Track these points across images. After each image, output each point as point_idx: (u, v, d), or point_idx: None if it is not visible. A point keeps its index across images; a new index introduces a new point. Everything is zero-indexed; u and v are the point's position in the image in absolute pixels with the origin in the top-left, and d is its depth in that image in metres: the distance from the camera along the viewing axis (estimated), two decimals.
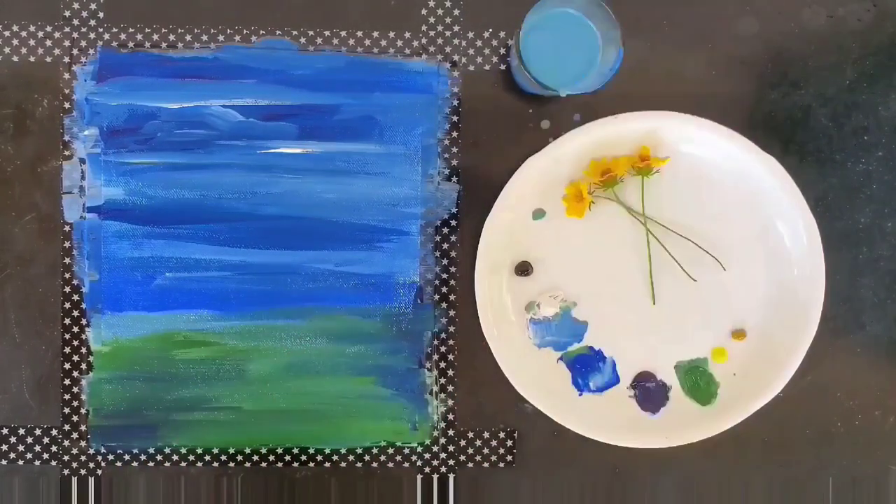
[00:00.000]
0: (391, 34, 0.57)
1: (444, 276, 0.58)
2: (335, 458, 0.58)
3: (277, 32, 0.57)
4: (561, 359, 0.57)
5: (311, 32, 0.57)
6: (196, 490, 0.58)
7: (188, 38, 0.57)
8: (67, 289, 0.57)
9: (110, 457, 0.58)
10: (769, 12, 0.57)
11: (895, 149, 0.58)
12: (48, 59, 0.56)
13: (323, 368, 0.58)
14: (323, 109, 0.57)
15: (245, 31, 0.57)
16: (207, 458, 0.58)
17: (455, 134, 0.57)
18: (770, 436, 0.58)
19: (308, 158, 0.57)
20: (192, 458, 0.58)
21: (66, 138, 0.57)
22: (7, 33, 0.56)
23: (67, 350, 0.57)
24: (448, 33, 0.57)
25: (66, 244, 0.57)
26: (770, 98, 0.57)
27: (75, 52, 0.56)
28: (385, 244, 0.57)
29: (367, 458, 0.58)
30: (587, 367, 0.57)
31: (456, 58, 0.57)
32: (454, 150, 0.57)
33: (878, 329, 0.58)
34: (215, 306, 0.57)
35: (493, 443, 0.58)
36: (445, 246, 0.58)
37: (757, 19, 0.57)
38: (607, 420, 0.56)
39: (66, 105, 0.56)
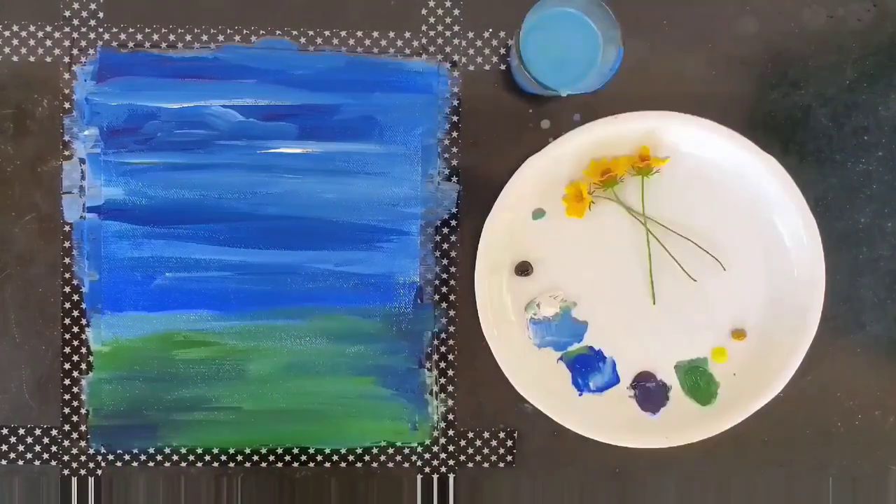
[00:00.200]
0: (391, 34, 0.57)
1: (444, 276, 0.58)
2: (335, 458, 0.58)
3: (277, 32, 0.57)
4: (561, 359, 0.57)
5: (311, 32, 0.57)
6: (196, 490, 0.58)
7: (188, 38, 0.57)
8: (67, 289, 0.57)
9: (110, 457, 0.58)
10: (769, 12, 0.57)
11: (895, 149, 0.58)
12: (48, 59, 0.56)
13: (323, 368, 0.58)
14: (323, 109, 0.57)
15: (245, 31, 0.57)
16: (207, 458, 0.58)
17: (455, 134, 0.57)
18: (770, 436, 0.58)
19: (308, 158, 0.57)
20: (192, 458, 0.58)
21: (66, 138, 0.57)
22: (7, 33, 0.56)
23: (67, 350, 0.57)
24: (448, 33, 0.57)
25: (66, 244, 0.57)
26: (770, 98, 0.57)
27: (75, 52, 0.56)
28: (385, 244, 0.57)
29: (367, 458, 0.58)
30: (587, 367, 0.57)
31: (456, 58, 0.57)
32: (454, 150, 0.57)
33: (878, 329, 0.58)
34: (215, 306, 0.57)
35: (493, 443, 0.58)
36: (445, 246, 0.58)
37: (757, 19, 0.57)
38: (607, 420, 0.56)
39: (66, 105, 0.56)
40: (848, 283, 0.58)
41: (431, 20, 0.57)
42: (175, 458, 0.58)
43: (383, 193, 0.57)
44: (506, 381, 0.55)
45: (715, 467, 0.58)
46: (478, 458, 0.58)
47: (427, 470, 0.58)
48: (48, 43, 0.56)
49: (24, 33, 0.56)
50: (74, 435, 0.57)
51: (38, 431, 0.57)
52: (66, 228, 0.57)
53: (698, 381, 0.57)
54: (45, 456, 0.57)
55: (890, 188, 0.58)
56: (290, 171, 0.57)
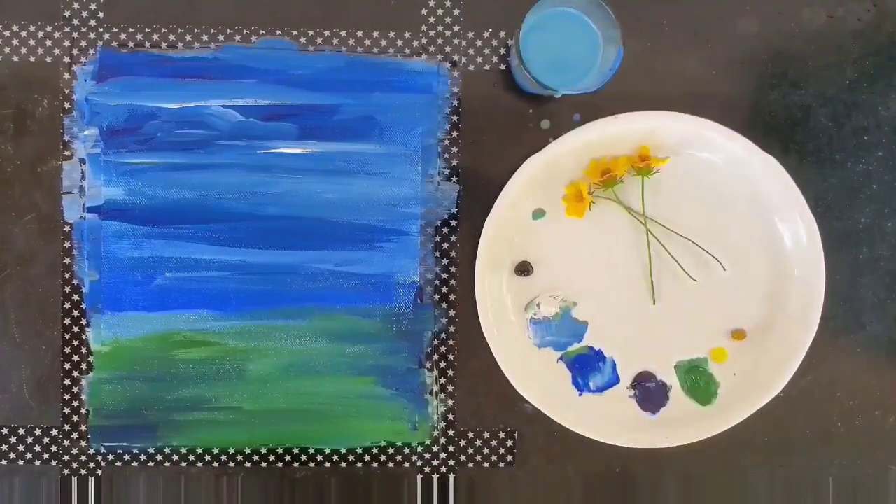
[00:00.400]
0: (391, 34, 0.57)
1: (444, 276, 0.58)
2: (335, 458, 0.58)
3: (277, 32, 0.57)
4: (561, 359, 0.57)
5: (311, 32, 0.57)
6: (196, 490, 0.58)
7: (188, 38, 0.57)
8: (67, 289, 0.57)
9: (110, 457, 0.58)
10: (769, 12, 0.57)
11: (895, 149, 0.58)
12: (48, 59, 0.56)
13: (323, 368, 0.58)
14: (323, 109, 0.57)
15: (245, 31, 0.57)
16: (207, 458, 0.58)
17: (455, 134, 0.57)
18: (770, 436, 0.58)
19: (308, 158, 0.57)
20: (192, 458, 0.58)
21: (66, 138, 0.57)
22: (7, 33, 0.56)
23: (67, 350, 0.57)
24: (448, 33, 0.57)
25: (66, 244, 0.57)
26: (770, 98, 0.57)
27: (75, 52, 0.56)
28: (385, 244, 0.57)
29: (367, 458, 0.58)
30: (587, 367, 0.57)
31: (456, 58, 0.57)
32: (454, 150, 0.57)
33: (878, 329, 0.58)
34: (215, 306, 0.57)
35: (493, 443, 0.58)
36: (445, 246, 0.58)
37: (757, 19, 0.57)
38: (607, 420, 0.56)
39: (66, 105, 0.56)
40: (848, 283, 0.58)
41: (431, 20, 0.57)
42: (175, 458, 0.58)
43: (383, 193, 0.57)
44: (506, 381, 0.55)
45: (715, 467, 0.58)
46: (478, 458, 0.58)
47: (427, 470, 0.58)
48: (48, 43, 0.56)
49: (24, 33, 0.56)
50: (74, 435, 0.57)
51: (38, 431, 0.57)
52: (66, 228, 0.57)
53: (698, 381, 0.57)
54: (45, 456, 0.57)
55: (890, 188, 0.58)
56: (290, 171, 0.57)
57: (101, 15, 0.56)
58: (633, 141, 0.55)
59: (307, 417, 0.58)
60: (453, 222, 0.57)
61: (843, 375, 0.58)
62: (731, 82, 0.57)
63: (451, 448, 0.58)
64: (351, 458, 0.58)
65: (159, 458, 0.58)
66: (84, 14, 0.56)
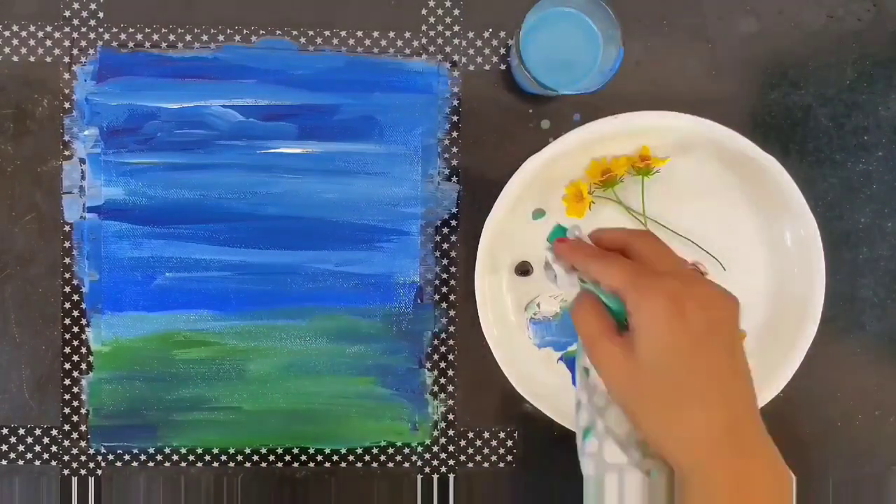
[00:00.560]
0: (391, 34, 0.57)
1: (444, 276, 0.58)
2: (335, 458, 0.58)
3: (277, 32, 0.57)
4: (561, 359, 0.57)
5: (311, 32, 0.57)
6: (196, 490, 0.58)
7: (188, 38, 0.57)
8: (67, 289, 0.57)
9: (110, 457, 0.58)
10: (769, 12, 0.57)
11: (895, 149, 0.58)
12: (48, 59, 0.56)
13: (323, 368, 0.58)
14: (323, 109, 0.57)
15: (245, 31, 0.57)
16: (207, 458, 0.58)
17: (455, 134, 0.57)
18: (770, 436, 0.58)
19: (308, 158, 0.57)
20: (192, 458, 0.58)
21: (66, 138, 0.57)
22: (7, 33, 0.56)
23: (67, 350, 0.57)
24: (448, 33, 0.57)
25: (66, 244, 0.57)
26: (770, 98, 0.57)
27: (75, 52, 0.56)
28: (385, 244, 0.57)
29: (367, 458, 0.58)
30: None
31: (456, 58, 0.57)
32: (454, 150, 0.57)
33: (878, 329, 0.58)
34: (215, 306, 0.57)
35: (493, 443, 0.58)
36: (445, 246, 0.58)
37: (757, 19, 0.57)
38: None
39: (66, 105, 0.56)
40: (848, 283, 0.58)
41: (431, 20, 0.57)
42: (175, 458, 0.58)
43: (383, 193, 0.57)
44: (506, 381, 0.55)
45: None
46: (478, 458, 0.58)
47: (427, 470, 0.58)
48: (48, 43, 0.56)
49: (24, 33, 0.56)
50: (74, 435, 0.57)
51: (38, 431, 0.57)
52: (66, 228, 0.57)
53: None
54: (45, 456, 0.57)
55: (890, 188, 0.58)
56: (290, 171, 0.57)
57: (101, 15, 0.56)
58: (633, 141, 0.55)
59: (307, 417, 0.58)
60: (453, 222, 0.57)
61: (843, 375, 0.58)
62: (731, 82, 0.57)
63: (451, 448, 0.58)
64: (351, 458, 0.58)
65: (159, 458, 0.58)
66: (84, 14, 0.56)
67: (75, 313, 0.57)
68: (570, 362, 0.57)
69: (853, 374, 0.58)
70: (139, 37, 0.57)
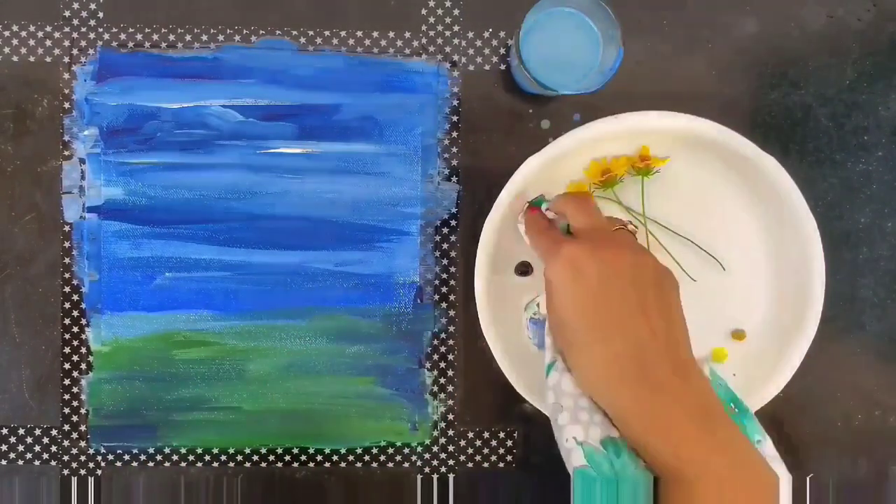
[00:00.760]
0: (391, 34, 0.57)
1: (444, 276, 0.58)
2: (335, 458, 0.58)
3: (277, 32, 0.57)
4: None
5: (311, 32, 0.57)
6: (196, 490, 0.58)
7: (188, 38, 0.57)
8: (67, 289, 0.57)
9: (110, 457, 0.58)
10: (769, 12, 0.57)
11: (895, 149, 0.58)
12: (48, 59, 0.56)
13: (323, 368, 0.58)
14: (323, 109, 0.57)
15: (245, 31, 0.57)
16: (207, 458, 0.58)
17: (455, 134, 0.57)
18: (770, 436, 0.58)
19: (308, 158, 0.57)
20: (192, 458, 0.58)
21: (66, 138, 0.57)
22: (7, 33, 0.56)
23: (67, 350, 0.57)
24: (448, 33, 0.57)
25: (66, 244, 0.57)
26: (770, 98, 0.57)
27: (75, 52, 0.56)
28: (385, 244, 0.57)
29: (367, 458, 0.58)
30: None
31: (456, 58, 0.57)
32: (454, 150, 0.57)
33: (878, 329, 0.58)
34: (215, 306, 0.57)
35: (493, 443, 0.58)
36: (445, 246, 0.58)
37: (757, 19, 0.57)
38: None
39: (66, 105, 0.56)
40: (848, 283, 0.58)
41: (431, 20, 0.57)
42: (175, 458, 0.58)
43: (383, 193, 0.57)
44: (506, 381, 0.55)
45: None
46: (478, 458, 0.58)
47: (427, 470, 0.58)
48: (48, 43, 0.56)
49: (24, 33, 0.56)
50: (74, 435, 0.57)
51: (38, 431, 0.57)
52: (66, 228, 0.57)
53: None
54: (45, 456, 0.57)
55: (890, 188, 0.58)
56: (290, 171, 0.57)
57: (101, 15, 0.56)
58: (633, 141, 0.55)
59: (307, 417, 0.58)
60: (453, 222, 0.57)
61: (843, 375, 0.58)
62: (731, 82, 0.57)
63: (451, 448, 0.58)
64: (351, 458, 0.58)
65: (159, 458, 0.58)
66: (84, 14, 0.56)
67: (75, 313, 0.57)
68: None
69: (853, 374, 0.58)
70: (139, 37, 0.57)
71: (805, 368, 0.55)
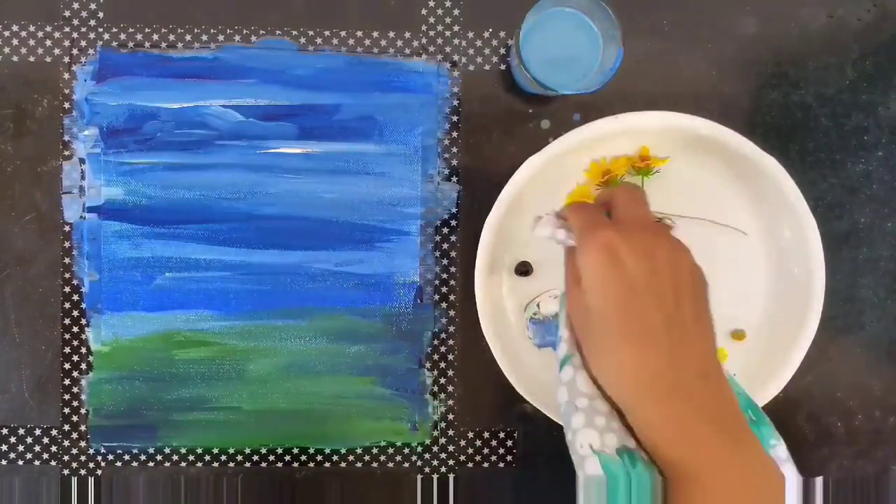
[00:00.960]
0: (391, 34, 0.57)
1: (444, 276, 0.58)
2: (335, 458, 0.58)
3: (277, 32, 0.57)
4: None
5: (311, 32, 0.57)
6: (196, 490, 0.58)
7: (188, 38, 0.57)
8: (67, 289, 0.57)
9: (110, 457, 0.58)
10: (769, 12, 0.57)
11: (895, 149, 0.58)
12: (48, 59, 0.56)
13: (323, 368, 0.58)
14: (323, 109, 0.57)
15: (245, 31, 0.57)
16: (207, 458, 0.58)
17: (455, 134, 0.57)
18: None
19: (308, 158, 0.57)
20: (192, 458, 0.58)
21: (66, 138, 0.57)
22: (7, 33, 0.56)
23: (67, 350, 0.57)
24: (448, 33, 0.57)
25: (66, 244, 0.57)
26: (770, 98, 0.57)
27: (75, 52, 0.56)
28: (385, 244, 0.57)
29: (367, 458, 0.58)
30: None
31: (456, 58, 0.57)
32: (454, 150, 0.57)
33: (878, 329, 0.58)
34: (215, 306, 0.57)
35: (493, 443, 0.58)
36: (445, 246, 0.58)
37: (757, 19, 0.57)
38: None
39: (66, 105, 0.56)
40: (848, 283, 0.58)
41: (431, 20, 0.57)
42: (175, 458, 0.58)
43: (383, 193, 0.57)
44: (506, 381, 0.55)
45: None
46: (478, 458, 0.58)
47: (427, 470, 0.58)
48: (48, 43, 0.56)
49: (24, 33, 0.56)
50: (74, 435, 0.57)
51: (38, 431, 0.57)
52: (66, 228, 0.57)
53: None
54: (45, 456, 0.57)
55: (890, 188, 0.58)
56: (290, 171, 0.57)
57: (101, 15, 0.56)
58: (633, 141, 0.55)
59: (307, 417, 0.58)
60: (453, 222, 0.57)
61: (843, 375, 0.58)
62: (731, 82, 0.57)
63: (451, 448, 0.58)
64: (351, 458, 0.58)
65: (159, 458, 0.58)
66: (84, 14, 0.56)
67: (75, 313, 0.57)
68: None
69: (853, 374, 0.58)
70: (139, 37, 0.57)
71: (805, 368, 0.55)
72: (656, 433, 0.38)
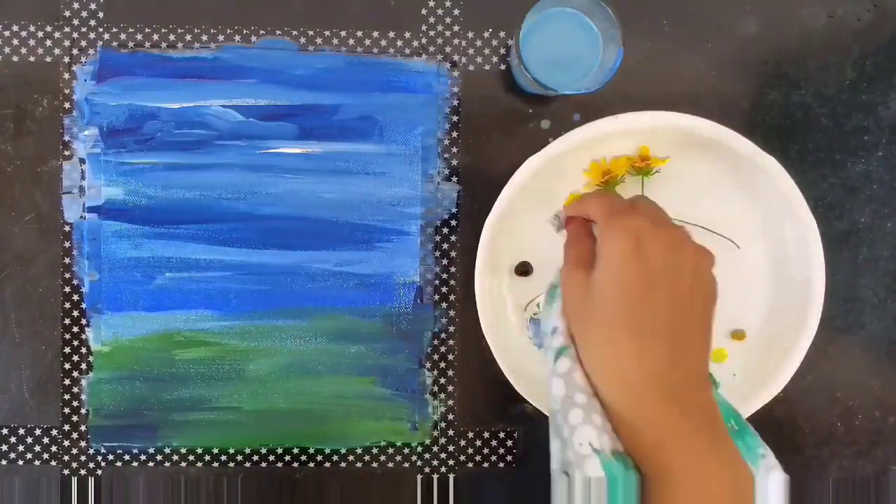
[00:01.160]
0: (391, 34, 0.57)
1: (444, 276, 0.58)
2: (335, 458, 0.58)
3: (277, 32, 0.57)
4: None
5: (311, 32, 0.57)
6: (196, 490, 0.58)
7: (188, 38, 0.57)
8: (67, 289, 0.57)
9: (110, 457, 0.58)
10: (769, 12, 0.57)
11: (895, 149, 0.58)
12: (48, 59, 0.56)
13: (323, 368, 0.58)
14: (323, 109, 0.57)
15: (245, 31, 0.57)
16: (207, 458, 0.58)
17: (455, 134, 0.57)
18: (770, 436, 0.58)
19: (308, 158, 0.57)
20: (192, 458, 0.58)
21: (66, 138, 0.57)
22: (7, 33, 0.56)
23: (67, 350, 0.57)
24: (448, 33, 0.57)
25: (66, 244, 0.57)
26: (770, 98, 0.57)
27: (75, 52, 0.56)
28: (385, 244, 0.57)
29: (367, 458, 0.58)
30: None
31: (456, 58, 0.57)
32: (454, 150, 0.57)
33: (878, 329, 0.58)
34: (215, 306, 0.57)
35: (493, 443, 0.58)
36: (445, 246, 0.58)
37: (757, 19, 0.57)
38: None
39: (66, 105, 0.56)
40: (848, 283, 0.58)
41: (431, 20, 0.57)
42: (175, 458, 0.58)
43: (383, 193, 0.57)
44: (506, 381, 0.55)
45: None
46: (478, 458, 0.58)
47: (427, 470, 0.58)
48: (48, 43, 0.56)
49: (24, 33, 0.56)
50: (74, 435, 0.57)
51: (38, 431, 0.57)
52: (66, 228, 0.57)
53: None
54: (45, 456, 0.57)
55: (890, 188, 0.58)
56: (290, 171, 0.57)
57: (101, 15, 0.56)
58: (633, 141, 0.55)
59: (307, 417, 0.58)
60: (453, 222, 0.57)
61: (843, 375, 0.58)
62: (731, 82, 0.57)
63: (451, 448, 0.58)
64: (351, 458, 0.58)
65: (159, 458, 0.58)
66: (84, 14, 0.56)
67: (75, 313, 0.57)
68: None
69: (853, 374, 0.58)
70: (139, 37, 0.57)
71: (805, 368, 0.55)
72: (641, 435, 0.37)
